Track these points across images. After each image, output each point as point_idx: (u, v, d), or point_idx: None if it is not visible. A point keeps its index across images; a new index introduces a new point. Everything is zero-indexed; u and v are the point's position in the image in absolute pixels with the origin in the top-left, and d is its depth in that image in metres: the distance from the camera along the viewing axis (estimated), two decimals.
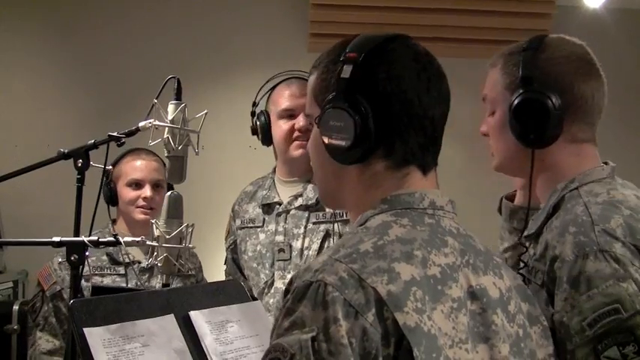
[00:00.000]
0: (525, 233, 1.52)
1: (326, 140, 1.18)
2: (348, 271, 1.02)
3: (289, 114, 2.46)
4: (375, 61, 1.16)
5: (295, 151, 2.46)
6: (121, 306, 1.51)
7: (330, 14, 4.53)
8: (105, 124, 3.75)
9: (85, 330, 1.40)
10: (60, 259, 2.47)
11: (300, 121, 2.43)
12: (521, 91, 1.46)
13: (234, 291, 1.76)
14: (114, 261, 2.53)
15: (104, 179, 2.51)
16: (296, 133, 2.44)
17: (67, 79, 4.74)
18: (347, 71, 1.16)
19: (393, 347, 0.99)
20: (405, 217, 1.13)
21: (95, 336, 1.41)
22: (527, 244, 1.52)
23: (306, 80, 2.57)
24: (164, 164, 2.63)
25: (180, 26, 4.71)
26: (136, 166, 2.60)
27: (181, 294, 1.66)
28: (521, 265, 1.49)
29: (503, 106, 1.50)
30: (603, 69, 1.53)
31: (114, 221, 2.64)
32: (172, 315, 1.56)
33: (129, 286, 2.47)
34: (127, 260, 2.50)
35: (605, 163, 1.53)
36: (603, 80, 1.51)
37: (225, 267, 2.70)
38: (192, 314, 1.59)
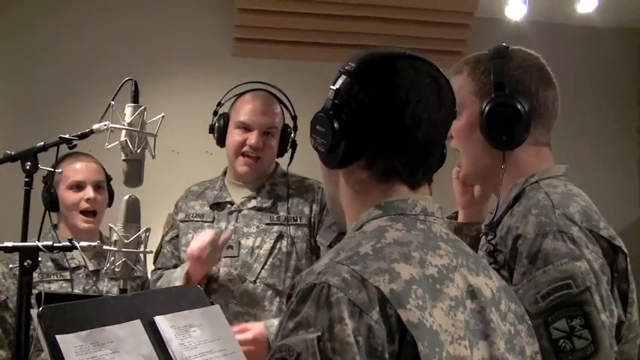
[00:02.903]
0: (486, 222, 1.63)
1: (312, 142, 1.23)
2: (351, 272, 1.05)
3: (245, 127, 2.46)
4: (369, 77, 1.19)
5: (241, 167, 2.47)
6: (88, 312, 1.49)
7: (256, 19, 4.52)
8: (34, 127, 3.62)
9: (58, 337, 1.37)
10: (4, 268, 2.37)
11: (252, 138, 2.43)
12: (493, 95, 1.57)
13: (194, 295, 1.76)
14: (59, 266, 2.47)
15: (45, 184, 2.45)
16: (246, 148, 2.45)
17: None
18: (339, 82, 1.20)
19: (397, 343, 1.02)
20: (399, 222, 1.16)
21: (67, 343, 1.38)
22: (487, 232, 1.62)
23: (274, 95, 2.57)
24: (102, 166, 2.61)
25: (104, 23, 4.54)
26: (77, 169, 2.55)
27: (145, 299, 1.65)
28: (486, 249, 1.58)
29: (470, 110, 1.60)
30: None
31: (55, 226, 2.57)
32: (139, 320, 1.55)
33: (75, 291, 2.41)
34: (72, 265, 2.45)
35: None
36: (558, 90, 1.64)
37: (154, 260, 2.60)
38: (158, 319, 1.59)
